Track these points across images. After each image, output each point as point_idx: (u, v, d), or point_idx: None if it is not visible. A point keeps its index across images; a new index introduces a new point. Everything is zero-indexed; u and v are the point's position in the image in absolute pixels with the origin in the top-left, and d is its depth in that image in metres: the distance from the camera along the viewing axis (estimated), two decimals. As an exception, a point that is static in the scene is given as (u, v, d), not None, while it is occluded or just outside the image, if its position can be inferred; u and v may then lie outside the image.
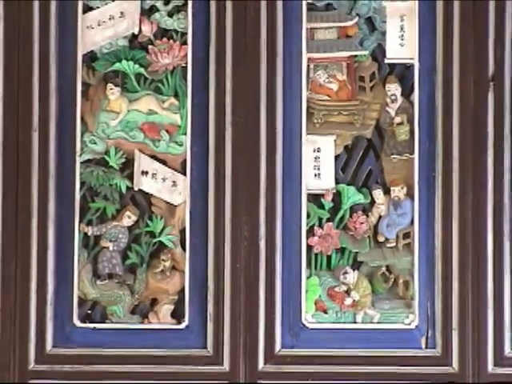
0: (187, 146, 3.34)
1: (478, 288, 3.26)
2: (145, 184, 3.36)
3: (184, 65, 3.34)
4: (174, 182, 3.36)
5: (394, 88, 3.35)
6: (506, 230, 3.29)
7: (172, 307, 3.36)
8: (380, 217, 3.36)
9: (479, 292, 3.26)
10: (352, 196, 3.39)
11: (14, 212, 3.33)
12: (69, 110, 3.35)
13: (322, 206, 3.37)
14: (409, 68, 3.35)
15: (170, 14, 3.39)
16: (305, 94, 3.36)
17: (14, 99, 3.34)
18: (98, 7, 3.40)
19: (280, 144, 3.31)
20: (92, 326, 3.44)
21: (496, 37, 3.30)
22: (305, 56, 3.35)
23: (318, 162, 3.38)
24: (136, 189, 3.37)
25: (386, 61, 3.38)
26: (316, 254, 3.37)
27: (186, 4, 3.38)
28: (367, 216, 3.37)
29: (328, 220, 3.37)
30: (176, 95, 3.39)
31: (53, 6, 3.34)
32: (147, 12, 3.39)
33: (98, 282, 3.38)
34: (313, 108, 3.36)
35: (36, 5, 3.34)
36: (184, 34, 3.37)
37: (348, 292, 3.36)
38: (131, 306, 3.38)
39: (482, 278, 3.27)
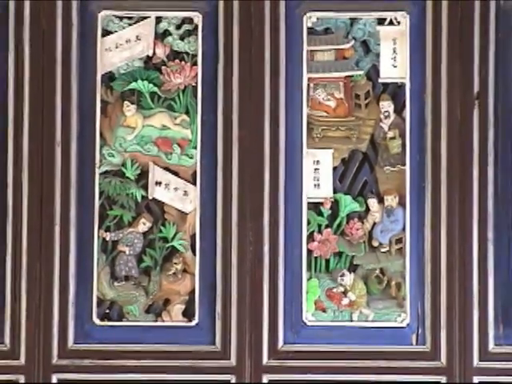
0: (197, 158, 3.48)
1: (464, 289, 3.38)
2: (158, 193, 3.50)
3: (194, 84, 3.49)
4: (185, 191, 3.50)
5: (387, 105, 3.48)
6: (490, 236, 3.43)
7: (183, 307, 3.49)
8: (374, 223, 3.48)
9: (465, 293, 3.39)
10: (349, 204, 3.50)
11: (38, 219, 3.46)
12: (89, 126, 3.50)
13: (321, 214, 3.49)
14: (400, 87, 3.49)
15: (182, 38, 3.53)
16: (305, 110, 3.49)
17: (38, 116, 3.49)
18: (116, 31, 3.54)
19: (282, 157, 3.45)
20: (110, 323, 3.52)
21: (480, 59, 3.44)
22: (305, 76, 3.49)
23: (318, 173, 3.50)
24: (150, 198, 3.51)
25: (380, 80, 3.51)
26: (316, 258, 3.49)
27: (196, 28, 3.52)
28: (362, 223, 3.48)
29: (327, 226, 3.48)
30: (187, 112, 3.53)
31: (74, 30, 3.50)
32: (161, 36, 3.53)
33: (116, 284, 3.51)
34: (312, 124, 3.49)
35: (59, 29, 3.50)
36: (194, 56, 3.51)
37: (345, 293, 3.47)
38: (146, 305, 3.51)
39: (468, 280, 3.39)
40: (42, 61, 3.53)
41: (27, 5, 3.53)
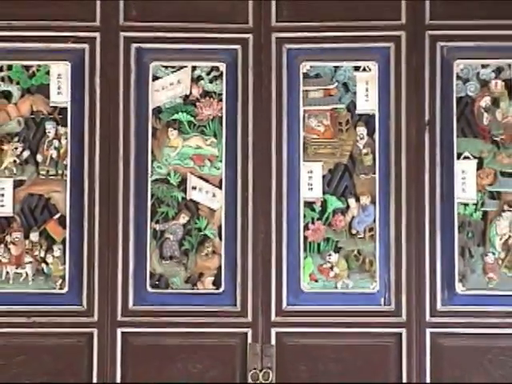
0: (223, 170, 3.97)
1: (419, 265, 3.87)
2: (194, 195, 3.99)
3: (220, 115, 4.00)
4: (213, 194, 3.98)
5: (361, 130, 3.98)
6: (438, 226, 3.89)
7: (213, 278, 3.99)
8: (353, 217, 3.97)
9: (419, 267, 3.87)
10: (334, 203, 3.98)
11: (106, 216, 3.94)
12: (143, 146, 4.00)
13: (313, 210, 3.98)
14: (372, 116, 3.99)
15: (211, 81, 4.02)
16: (302, 134, 3.99)
17: (106, 139, 3.97)
18: (162, 77, 4.01)
19: (285, 168, 3.96)
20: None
21: (430, 95, 3.93)
22: (301, 108, 4.00)
23: (311, 180, 3.98)
24: (188, 198, 4.00)
25: (356, 112, 4.02)
26: (310, 242, 3.97)
27: (221, 74, 4.00)
28: (344, 216, 3.97)
29: (318, 219, 3.98)
30: (215, 136, 4.02)
31: (132, 76, 3.97)
32: (195, 80, 4.03)
33: (163, 262, 3.97)
34: (307, 143, 3.99)
35: (121, 75, 3.96)
36: (220, 95, 4.01)
37: (331, 268, 3.96)
38: (185, 277, 3.99)
39: (421, 258, 3.88)
40: (109, 98, 3.97)
41: (98, 57, 3.94)
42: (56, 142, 4.00)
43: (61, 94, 3.99)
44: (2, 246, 3.97)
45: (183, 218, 3.99)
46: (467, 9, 3.95)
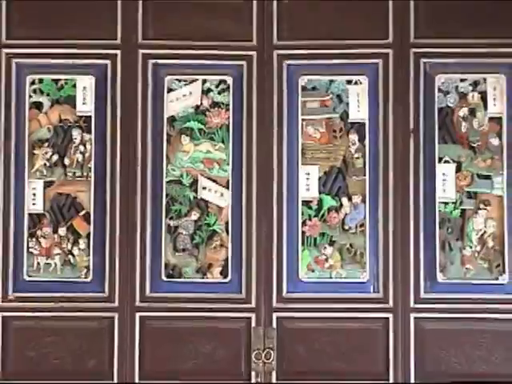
0: (229, 172, 4.13)
1: (404, 257, 4.03)
2: (204, 194, 4.15)
3: (227, 123, 4.16)
4: (221, 193, 4.13)
5: (353, 137, 4.13)
6: (421, 223, 4.03)
7: (221, 269, 4.12)
8: (346, 214, 4.12)
9: (405, 259, 4.02)
10: (329, 201, 4.13)
11: (126, 213, 4.09)
12: (159, 151, 4.14)
13: (310, 208, 4.13)
14: (362, 124, 4.14)
15: (219, 93, 4.17)
16: (300, 140, 4.15)
17: (126, 145, 4.11)
18: (176, 89, 4.16)
19: (285, 171, 4.10)
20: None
21: (414, 106, 4.09)
22: (300, 117, 4.15)
23: (309, 181, 4.13)
24: (199, 197, 4.15)
25: (349, 120, 4.15)
26: (307, 237, 4.12)
27: (228, 87, 4.15)
28: (338, 213, 4.11)
29: (314, 216, 4.13)
30: (223, 141, 4.16)
31: (149, 88, 4.12)
32: (205, 92, 4.18)
33: (176, 254, 4.12)
34: (305, 149, 4.13)
35: (139, 88, 4.10)
36: (227, 105, 4.17)
37: (326, 259, 4.10)
38: (196, 268, 4.13)
39: (406, 251, 4.03)
40: (128, 108, 4.11)
41: (118, 72, 4.09)
42: (81, 147, 4.13)
43: (86, 105, 4.12)
44: (34, 239, 4.11)
45: (194, 215, 4.13)
46: (447, 30, 4.08)
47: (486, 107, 4.11)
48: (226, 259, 4.11)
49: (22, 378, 4.05)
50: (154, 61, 4.11)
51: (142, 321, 4.04)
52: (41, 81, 4.16)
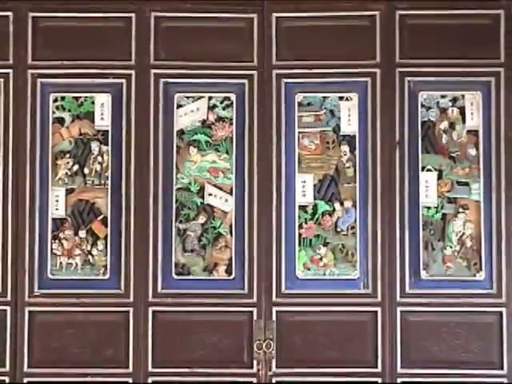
0: (233, 180, 4.21)
1: (391, 256, 4.12)
2: (210, 200, 4.23)
3: (231, 136, 4.24)
4: (226, 199, 4.21)
5: (345, 148, 4.21)
6: (406, 224, 4.11)
7: (225, 267, 4.19)
8: (338, 218, 4.20)
9: (391, 258, 4.11)
10: (323, 206, 4.20)
11: (140, 218, 4.16)
12: (169, 161, 4.22)
13: (306, 212, 4.21)
14: (353, 137, 4.22)
15: (223, 109, 4.25)
16: (297, 151, 4.22)
17: (139, 156, 4.18)
18: (185, 105, 4.24)
19: (283, 178, 4.18)
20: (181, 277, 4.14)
21: (400, 120, 4.18)
22: (297, 130, 4.23)
23: (304, 188, 4.20)
24: (205, 203, 4.22)
25: (341, 133, 4.24)
26: (303, 238, 4.19)
27: (232, 103, 4.23)
28: (331, 217, 4.19)
29: (310, 220, 4.20)
30: (227, 152, 4.23)
31: (160, 105, 4.20)
32: (211, 107, 4.25)
33: (185, 254, 4.20)
34: (301, 159, 4.21)
35: (152, 105, 4.18)
36: (231, 120, 4.24)
37: (321, 259, 4.18)
38: (203, 266, 4.19)
39: (393, 251, 4.12)
40: (142, 123, 4.19)
41: (133, 90, 4.18)
42: (99, 158, 4.22)
43: (103, 120, 4.22)
44: (57, 241, 4.21)
45: (201, 219, 4.21)
46: (429, 51, 4.17)
47: (464, 121, 4.21)
48: (230, 259, 4.19)
49: (47, 366, 4.13)
50: (164, 80, 4.20)
51: (155, 314, 4.12)
52: (63, 98, 4.25)
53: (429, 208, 4.19)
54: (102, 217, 4.22)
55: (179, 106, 4.26)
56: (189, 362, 4.12)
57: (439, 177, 4.19)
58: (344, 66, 4.19)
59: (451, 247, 4.18)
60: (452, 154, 4.22)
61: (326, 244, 4.20)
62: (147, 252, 4.17)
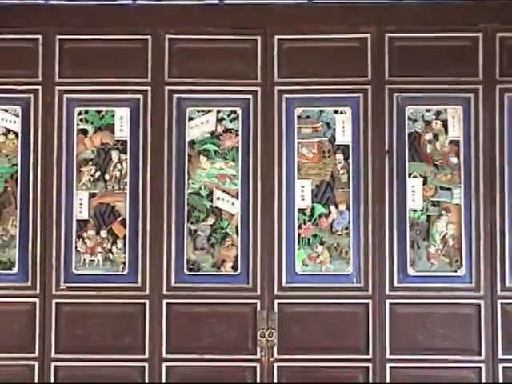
0: (239, 185, 4.37)
1: (381, 254, 4.28)
2: (218, 204, 4.40)
3: (237, 146, 4.40)
4: (232, 203, 4.39)
5: (339, 156, 4.38)
6: (394, 225, 4.27)
7: (232, 264, 4.37)
8: (333, 219, 4.37)
9: (381, 255, 4.28)
10: (319, 209, 4.37)
11: (155, 219, 4.32)
12: (181, 168, 4.38)
13: (305, 214, 4.38)
14: (347, 146, 4.39)
15: (230, 121, 4.42)
16: (296, 159, 4.38)
17: (155, 164, 4.33)
18: (195, 118, 4.40)
19: (284, 184, 4.34)
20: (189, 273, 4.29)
21: (389, 130, 4.33)
22: (296, 141, 4.39)
23: (303, 192, 4.37)
24: (214, 206, 4.39)
25: (336, 143, 4.40)
26: (302, 238, 4.37)
27: (238, 116, 4.39)
28: (327, 219, 4.36)
29: (308, 221, 4.38)
30: (233, 160, 4.40)
31: (173, 118, 4.34)
32: (219, 120, 4.41)
33: (196, 252, 4.37)
34: (300, 166, 4.38)
35: (166, 117, 4.34)
36: (237, 131, 4.41)
37: (318, 256, 4.36)
38: (212, 263, 4.37)
39: (383, 249, 4.28)
40: (157, 133, 4.36)
41: (149, 104, 4.34)
42: (119, 166, 4.40)
43: (122, 131, 4.39)
44: (80, 240, 4.40)
45: (210, 220, 4.40)
46: (416, 70, 4.33)
47: (446, 132, 4.36)
48: (236, 256, 4.37)
49: (72, 352, 4.30)
50: (177, 95, 4.38)
51: (168, 306, 4.30)
52: (86, 112, 4.45)
53: (415, 211, 4.35)
54: (121, 218, 4.39)
55: (190, 119, 4.42)
56: (199, 349, 4.29)
57: (424, 183, 4.35)
58: (339, 83, 4.34)
59: (435, 246, 4.34)
60: (436, 162, 4.37)
61: (322, 243, 4.36)
62: (162, 250, 4.34)
